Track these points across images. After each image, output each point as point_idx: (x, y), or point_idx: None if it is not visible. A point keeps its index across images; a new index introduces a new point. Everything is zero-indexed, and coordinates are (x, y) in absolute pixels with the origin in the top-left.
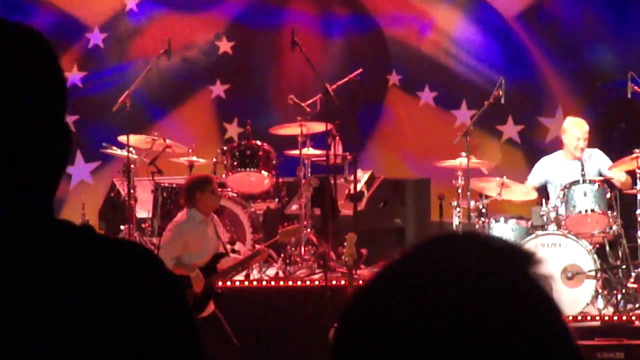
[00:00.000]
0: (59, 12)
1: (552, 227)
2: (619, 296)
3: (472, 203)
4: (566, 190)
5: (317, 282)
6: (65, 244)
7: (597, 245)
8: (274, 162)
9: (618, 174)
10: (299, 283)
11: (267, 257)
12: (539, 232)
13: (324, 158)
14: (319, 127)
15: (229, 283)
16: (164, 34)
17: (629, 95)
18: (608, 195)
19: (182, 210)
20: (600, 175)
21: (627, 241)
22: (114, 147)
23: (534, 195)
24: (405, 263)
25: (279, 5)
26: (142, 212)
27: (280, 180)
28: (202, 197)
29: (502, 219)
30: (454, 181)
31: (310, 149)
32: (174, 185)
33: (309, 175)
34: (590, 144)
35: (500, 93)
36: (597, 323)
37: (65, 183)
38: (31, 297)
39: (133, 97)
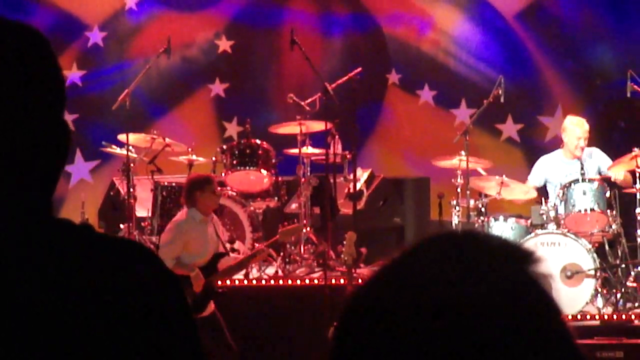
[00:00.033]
0: (59, 10)
1: (551, 226)
2: (619, 295)
3: (472, 202)
4: (565, 189)
5: (316, 281)
6: (65, 243)
7: (597, 244)
8: (274, 161)
9: (617, 173)
10: (298, 282)
11: (267, 257)
12: (539, 231)
13: (324, 157)
14: (318, 126)
15: (228, 282)
16: (164, 32)
17: (629, 94)
18: (607, 194)
19: (181, 210)
20: (600, 174)
21: (627, 240)
22: (114, 146)
23: (533, 194)
24: (404, 262)
25: (278, 4)
26: (142, 210)
27: (280, 179)
28: (202, 196)
29: (501, 218)
30: (453, 180)
31: (310, 147)
32: (174, 184)
33: (309, 174)
34: (590, 143)
35: (500, 92)
36: (597, 322)
37: (64, 182)
38: (31, 296)
39: (133, 96)
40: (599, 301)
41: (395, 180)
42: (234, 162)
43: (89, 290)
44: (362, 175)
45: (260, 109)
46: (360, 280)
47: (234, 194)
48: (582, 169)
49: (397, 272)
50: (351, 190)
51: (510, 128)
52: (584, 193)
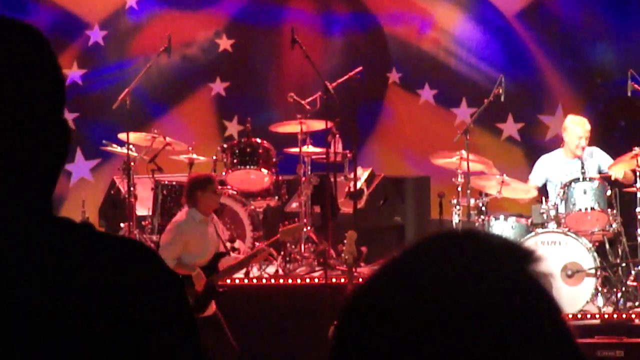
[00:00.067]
0: (59, 9)
1: (552, 225)
2: (619, 294)
3: (472, 201)
4: (566, 188)
5: (316, 280)
6: (65, 242)
7: (597, 243)
8: (274, 159)
9: (617, 172)
10: (298, 281)
11: (268, 256)
12: (539, 230)
13: (324, 156)
14: (319, 125)
15: (228, 281)
16: (164, 31)
17: (629, 93)
18: (608, 193)
19: (182, 210)
20: (600, 173)
21: (627, 239)
22: (114, 145)
23: (534, 193)
24: (405, 261)
25: (279, 3)
26: (142, 209)
27: (280, 178)
28: (203, 196)
29: (502, 217)
30: (453, 179)
31: (310, 146)
32: (174, 183)
33: (309, 173)
34: (590, 142)
35: (500, 91)
36: (597, 321)
37: (65, 180)
38: (31, 296)
39: (133, 95)
40: (600, 300)
41: (395, 179)
42: (235, 161)
43: (89, 290)
44: (363, 174)
45: (260, 108)
46: (360, 280)
47: (235, 193)
48: (582, 168)
49: (397, 271)
50: (351, 189)
51: (510, 127)
52: (585, 192)
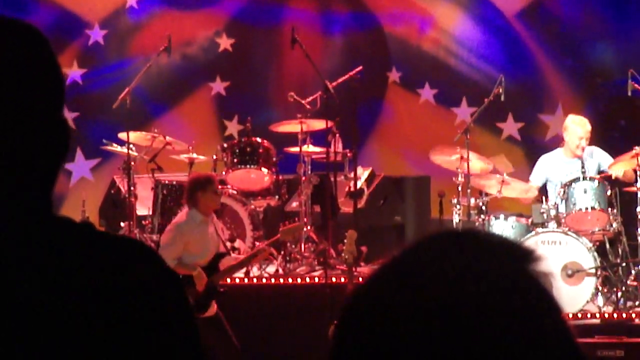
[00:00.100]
0: (59, 8)
1: (552, 225)
2: (619, 294)
3: (472, 200)
4: (566, 187)
5: (317, 280)
6: (66, 241)
7: (597, 243)
8: (274, 159)
9: (617, 170)
10: (298, 280)
11: (268, 255)
12: (539, 230)
13: (324, 155)
14: (319, 124)
15: (228, 280)
16: (164, 30)
17: (629, 93)
18: (608, 193)
19: (182, 210)
20: (600, 173)
21: (627, 239)
22: (114, 144)
23: (534, 192)
24: (405, 261)
25: (279, 3)
26: (142, 209)
27: (280, 177)
28: (203, 197)
29: (502, 217)
30: (454, 178)
31: (310, 146)
32: (174, 183)
33: (309, 172)
34: (590, 142)
35: (501, 90)
36: (597, 321)
37: (65, 180)
38: (31, 295)
39: (133, 94)
40: (600, 300)
41: (395, 178)
42: (235, 160)
43: (89, 289)
44: (363, 173)
45: (260, 107)
46: (360, 279)
47: (235, 192)
48: (582, 167)
49: (397, 271)
50: (352, 189)
51: (510, 126)
52: (585, 191)
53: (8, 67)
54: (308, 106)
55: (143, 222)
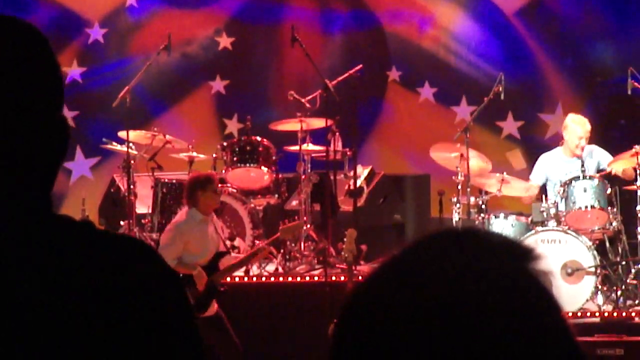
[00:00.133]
0: (59, 7)
1: (552, 224)
2: (619, 292)
3: (472, 199)
4: (566, 186)
5: (316, 278)
6: (65, 240)
7: (597, 242)
8: (274, 157)
9: (617, 169)
10: (298, 279)
11: (268, 254)
12: (539, 228)
13: (324, 154)
14: (318, 123)
15: (228, 279)
16: (164, 29)
17: (629, 92)
18: (608, 192)
19: (181, 210)
20: (600, 171)
21: (627, 237)
22: (114, 143)
23: (534, 191)
24: (404, 259)
25: (278, 1)
26: (142, 207)
27: (280, 176)
28: (203, 196)
29: (501, 215)
30: (453, 177)
31: (310, 144)
32: (174, 181)
33: (309, 171)
34: (590, 141)
35: (500, 89)
36: (597, 319)
37: (65, 178)
38: (31, 294)
39: (133, 93)
40: (599, 298)
41: (395, 177)
42: (235, 159)
43: (89, 288)
44: (363, 172)
45: (260, 106)
46: (360, 278)
47: (235, 191)
48: (582, 166)
49: (397, 270)
50: (351, 187)
51: (510, 125)
52: (585, 190)
53: (7, 66)
54: (308, 105)
55: (143, 220)
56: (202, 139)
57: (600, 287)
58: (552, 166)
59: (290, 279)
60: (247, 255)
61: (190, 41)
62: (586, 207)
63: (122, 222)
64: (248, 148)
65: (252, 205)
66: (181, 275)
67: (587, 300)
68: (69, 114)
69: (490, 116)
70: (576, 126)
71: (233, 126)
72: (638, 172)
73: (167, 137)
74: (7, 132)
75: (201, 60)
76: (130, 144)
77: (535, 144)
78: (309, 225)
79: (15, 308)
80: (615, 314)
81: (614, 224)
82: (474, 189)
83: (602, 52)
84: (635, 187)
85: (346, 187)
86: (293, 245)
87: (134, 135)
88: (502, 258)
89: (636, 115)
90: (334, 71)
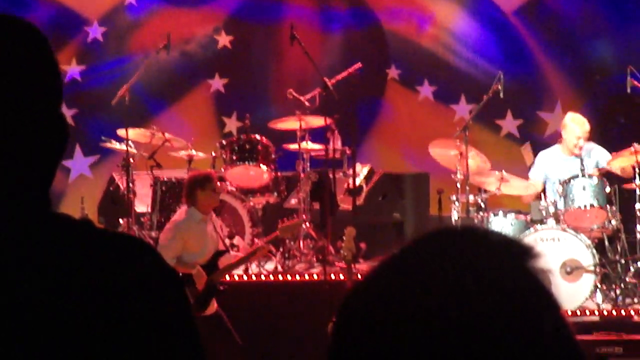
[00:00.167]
0: (58, 5)
1: (551, 222)
2: (618, 291)
3: (471, 197)
4: (565, 184)
5: (315, 277)
6: (65, 239)
7: (596, 240)
8: (273, 156)
9: (615, 167)
10: (297, 277)
11: (267, 252)
12: (538, 227)
13: (323, 152)
14: (318, 121)
15: (227, 278)
16: (163, 28)
17: (628, 90)
18: (607, 190)
19: (181, 209)
20: (599, 170)
21: (626, 236)
22: (113, 141)
23: (533, 189)
24: (404, 258)
25: (277, 0)
26: (141, 206)
27: (279, 174)
28: (202, 195)
29: (501, 214)
30: (452, 175)
31: (309, 143)
32: (173, 179)
33: (308, 169)
34: (589, 139)
35: (499, 87)
36: (596, 318)
37: (64, 177)
38: (31, 293)
39: (132, 91)
40: (599, 297)
41: (394, 175)
42: (234, 157)
43: (89, 286)
44: (362, 170)
45: (259, 104)
46: (359, 276)
47: (234, 189)
48: (581, 164)
49: (396, 268)
50: (350, 186)
51: (509, 123)
52: (584, 189)
53: (6, 64)
54: (307, 103)
55: (142, 219)
56: (201, 137)
57: (599, 285)
58: (550, 164)
59: (289, 277)
60: (246, 254)
61: (189, 39)
62: (585, 205)
63: (121, 221)
64: (247, 146)
65: (251, 203)
66: (180, 274)
67: (586, 299)
68: (68, 112)
69: (490, 114)
70: (575, 126)
71: (232, 124)
72: (637, 170)
73: (166, 135)
74: (6, 130)
75: (200, 58)
76: (130, 143)
77: (535, 142)
78: (308, 224)
79: (15, 307)
80: (614, 313)
81: (613, 222)
82: (473, 188)
83: (601, 51)
84: (634, 185)
85: (345, 185)
86: (292, 243)
87: (133, 133)
88: (501, 256)
89: (635, 114)
90: (333, 69)
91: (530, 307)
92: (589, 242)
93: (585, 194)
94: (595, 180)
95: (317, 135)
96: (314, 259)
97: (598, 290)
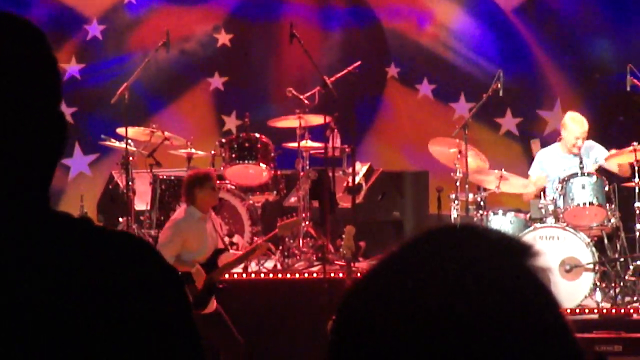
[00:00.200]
0: (58, 3)
1: (550, 220)
2: (617, 289)
3: (471, 196)
4: (564, 183)
5: (315, 275)
6: (64, 237)
7: (596, 238)
8: (273, 154)
9: (612, 165)
10: (297, 276)
11: (266, 251)
12: (537, 225)
13: (323, 151)
14: (317, 119)
15: (227, 276)
16: (163, 26)
17: (628, 88)
18: (606, 188)
19: (180, 207)
20: (599, 167)
21: (625, 234)
22: (113, 139)
23: (532, 188)
24: (403, 256)
25: None
26: (141, 204)
27: (279, 172)
28: (201, 193)
29: (500, 212)
30: (452, 174)
31: (309, 141)
32: (173, 178)
33: (308, 167)
34: (589, 137)
35: (499, 86)
36: (595, 316)
37: (63, 175)
38: (30, 291)
39: (131, 89)
40: (598, 295)
41: (394, 173)
42: (233, 155)
43: (88, 285)
44: (361, 169)
45: (259, 103)
46: (358, 274)
47: (233, 187)
48: (580, 163)
49: (395, 266)
50: (350, 184)
51: (509, 122)
52: (583, 187)
53: (6, 62)
54: (306, 101)
55: (141, 217)
56: (200, 135)
57: (598, 283)
58: (550, 162)
59: (288, 275)
60: (245, 252)
61: (188, 38)
62: (584, 203)
63: (120, 219)
64: (246, 145)
65: (251, 202)
66: (180, 272)
67: (585, 297)
68: (67, 111)
69: (489, 113)
70: (574, 126)
71: (231, 123)
72: (636, 168)
73: (166, 133)
74: (6, 128)
75: (200, 57)
76: (129, 141)
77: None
78: (307, 222)
79: (14, 306)
80: (613, 311)
81: (612, 220)
82: (472, 186)
83: (600, 49)
84: (633, 183)
85: (345, 183)
86: (292, 241)
87: (132, 131)
88: (500, 255)
89: (635, 112)
90: (332, 68)
91: (530, 305)
92: (588, 240)
93: (584, 192)
94: (594, 178)
95: (317, 133)
96: (314, 257)
97: (597, 288)
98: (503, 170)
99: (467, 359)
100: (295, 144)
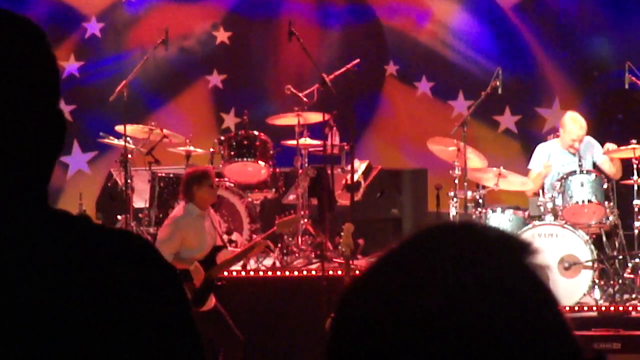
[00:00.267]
0: (56, 1)
1: (549, 218)
2: (616, 287)
3: (469, 193)
4: (563, 180)
5: (314, 273)
6: (62, 235)
7: (594, 236)
8: (271, 152)
9: (609, 165)
10: (295, 273)
11: (265, 248)
12: (536, 223)
13: (321, 148)
14: (316, 117)
15: (225, 273)
16: (162, 23)
17: (627, 86)
18: (605, 186)
19: (179, 205)
20: (595, 165)
21: (624, 231)
22: (111, 137)
23: (530, 185)
24: (402, 254)
25: None
26: (139, 202)
27: (278, 170)
28: (199, 191)
29: (499, 210)
30: (451, 171)
31: (308, 139)
32: (171, 175)
33: (306, 165)
34: (587, 134)
35: (497, 83)
36: (594, 313)
37: (62, 173)
38: (29, 289)
39: (130, 87)
40: (596, 293)
41: (392, 171)
42: (232, 153)
43: (87, 282)
44: (360, 166)
45: (258, 100)
46: (357, 272)
47: (232, 185)
48: (579, 161)
49: (394, 264)
50: (349, 182)
51: (507, 119)
52: (582, 184)
53: (4, 60)
54: (305, 99)
55: (140, 215)
56: (199, 133)
57: (597, 281)
58: (549, 156)
59: (287, 273)
60: (244, 250)
61: (187, 35)
62: (583, 201)
63: (119, 217)
64: (245, 142)
65: (250, 199)
66: (178, 270)
67: (584, 295)
68: (66, 108)
69: (488, 110)
70: (573, 127)
71: (230, 120)
72: (635, 166)
73: (165, 131)
74: (4, 126)
75: (198, 54)
76: (128, 138)
77: (533, 138)
78: (306, 220)
79: (13, 305)
80: (612, 308)
81: (611, 218)
82: (471, 183)
83: (599, 47)
84: (632, 181)
85: (343, 181)
86: (290, 239)
87: (131, 129)
88: (499, 252)
89: (633, 110)
90: (331, 65)
91: (529, 302)
92: (587, 238)
93: (583, 190)
94: (593, 176)
95: (315, 131)
96: (312, 254)
97: (596, 286)
98: (502, 167)
99: (466, 356)
100: (294, 142)
